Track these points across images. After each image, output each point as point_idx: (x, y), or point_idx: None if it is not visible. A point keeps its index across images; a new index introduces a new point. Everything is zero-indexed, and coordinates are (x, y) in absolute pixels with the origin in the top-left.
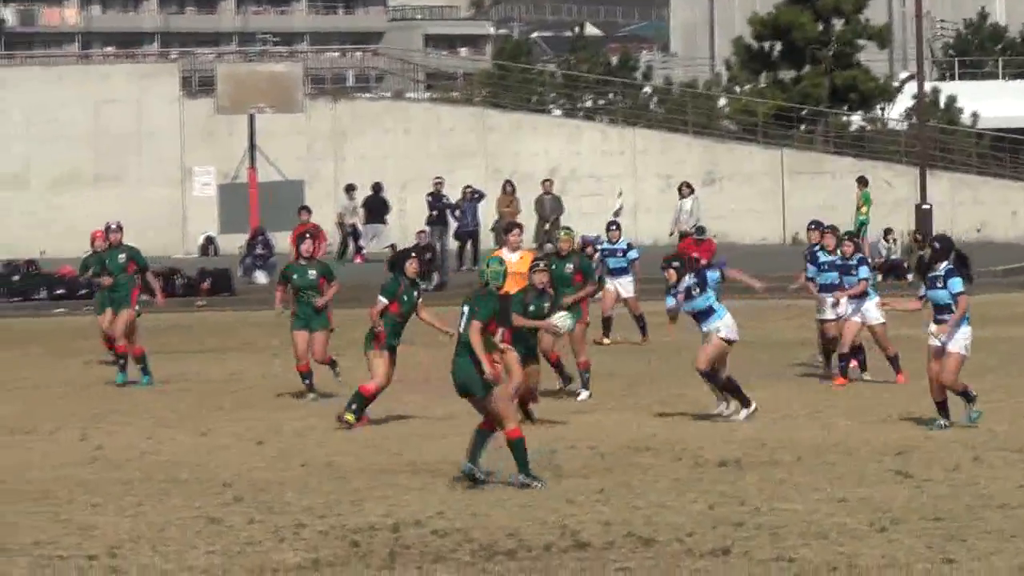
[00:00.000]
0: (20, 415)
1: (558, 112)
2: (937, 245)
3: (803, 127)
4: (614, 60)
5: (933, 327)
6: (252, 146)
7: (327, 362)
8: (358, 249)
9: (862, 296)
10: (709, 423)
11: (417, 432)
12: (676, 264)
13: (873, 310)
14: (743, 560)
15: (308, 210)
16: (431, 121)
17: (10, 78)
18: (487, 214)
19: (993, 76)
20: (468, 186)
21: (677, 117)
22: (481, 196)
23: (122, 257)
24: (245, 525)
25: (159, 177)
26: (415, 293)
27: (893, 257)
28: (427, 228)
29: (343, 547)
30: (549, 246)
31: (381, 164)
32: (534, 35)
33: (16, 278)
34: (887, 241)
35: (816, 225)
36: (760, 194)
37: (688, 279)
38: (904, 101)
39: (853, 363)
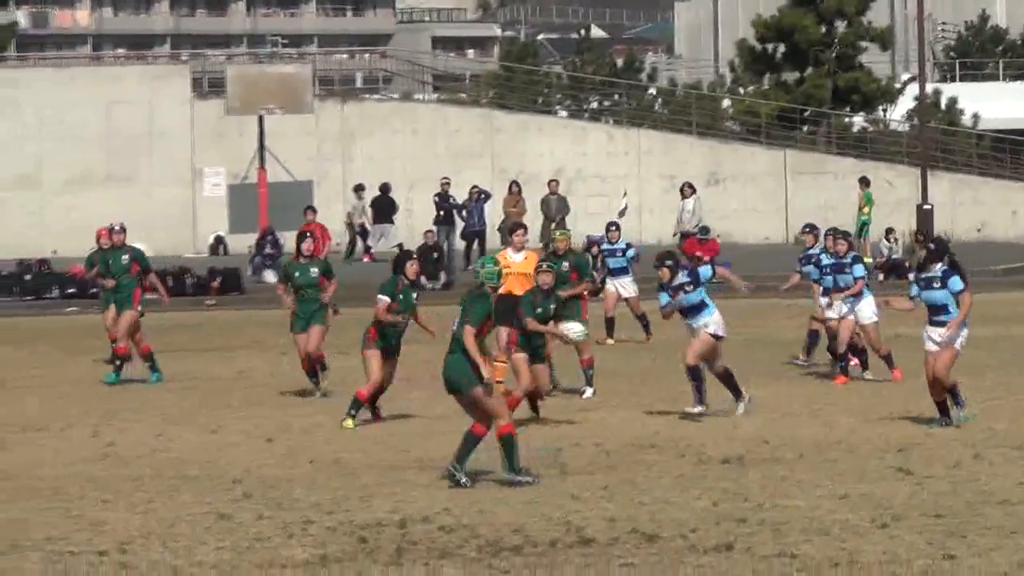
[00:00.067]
0: (32, 413)
1: (564, 113)
2: (933, 247)
3: (806, 128)
4: (619, 62)
5: (931, 331)
6: (262, 147)
7: (319, 358)
8: (367, 249)
9: (858, 295)
10: (712, 421)
11: (424, 429)
12: (669, 262)
13: (865, 309)
14: (746, 556)
15: (313, 210)
16: (438, 122)
17: (23, 79)
18: (494, 214)
19: (994, 78)
20: (475, 186)
21: (681, 118)
22: (488, 196)
23: (125, 258)
24: (254, 521)
25: (170, 177)
26: (414, 295)
27: (895, 257)
28: (434, 228)
29: (351, 543)
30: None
31: (389, 165)
32: (540, 37)
33: (28, 277)
34: (888, 241)
35: (810, 228)
36: (763, 194)
37: (681, 275)
38: (906, 102)
39: (855, 361)
